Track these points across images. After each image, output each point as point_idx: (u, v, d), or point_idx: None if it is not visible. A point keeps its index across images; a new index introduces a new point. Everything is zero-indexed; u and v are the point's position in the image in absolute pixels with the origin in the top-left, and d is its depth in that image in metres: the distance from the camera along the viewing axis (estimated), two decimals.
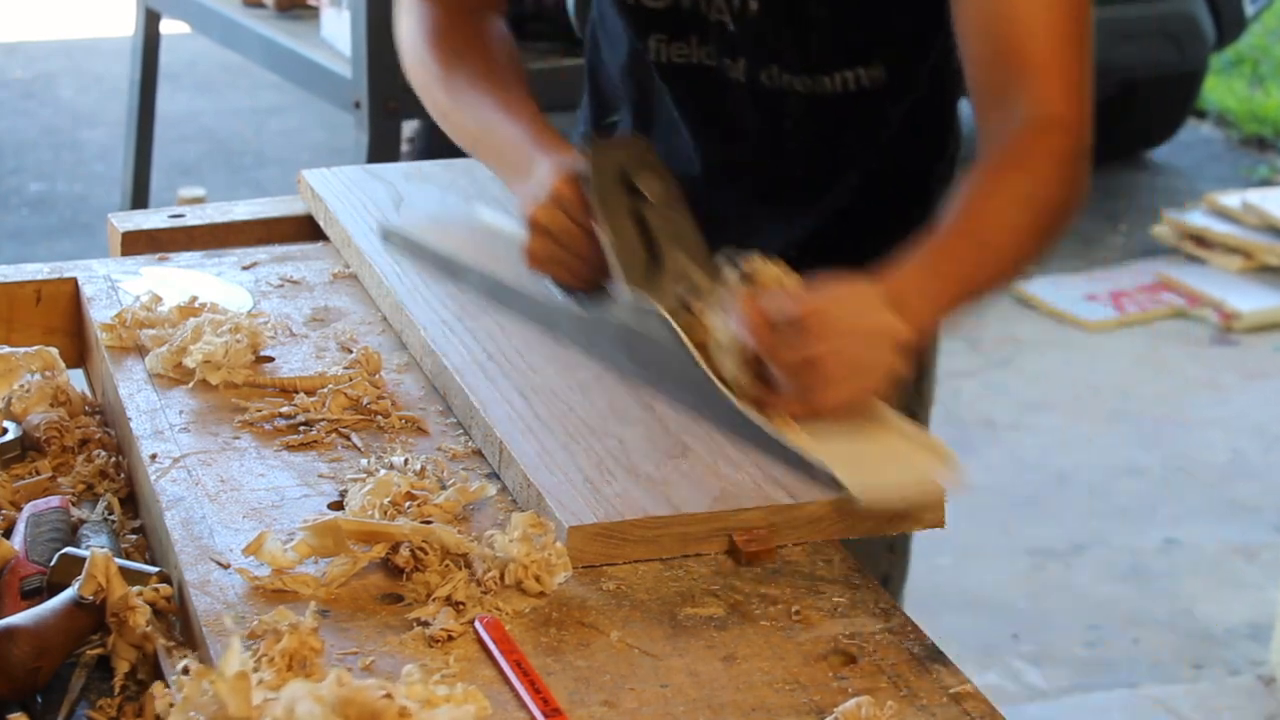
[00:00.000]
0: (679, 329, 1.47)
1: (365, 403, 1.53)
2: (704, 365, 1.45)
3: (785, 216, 1.85)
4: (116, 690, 1.21)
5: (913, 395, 1.97)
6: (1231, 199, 5.67)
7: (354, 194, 1.96)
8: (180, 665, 1.13)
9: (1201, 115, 7.10)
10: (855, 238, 1.80)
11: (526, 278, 1.62)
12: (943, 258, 1.52)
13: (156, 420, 1.51)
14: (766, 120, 1.79)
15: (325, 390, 1.55)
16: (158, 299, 1.67)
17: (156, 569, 1.29)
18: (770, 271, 1.48)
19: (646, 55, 1.80)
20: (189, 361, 1.59)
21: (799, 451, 1.39)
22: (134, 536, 1.45)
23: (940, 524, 1.39)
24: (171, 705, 1.08)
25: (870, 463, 1.38)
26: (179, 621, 1.28)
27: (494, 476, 1.44)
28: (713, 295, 1.48)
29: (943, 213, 1.58)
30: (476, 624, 1.22)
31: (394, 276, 1.74)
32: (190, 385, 1.57)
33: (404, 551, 1.27)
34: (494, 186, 2.00)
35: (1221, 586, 3.78)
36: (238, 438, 1.49)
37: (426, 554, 1.27)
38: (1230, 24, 5.99)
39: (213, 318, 1.63)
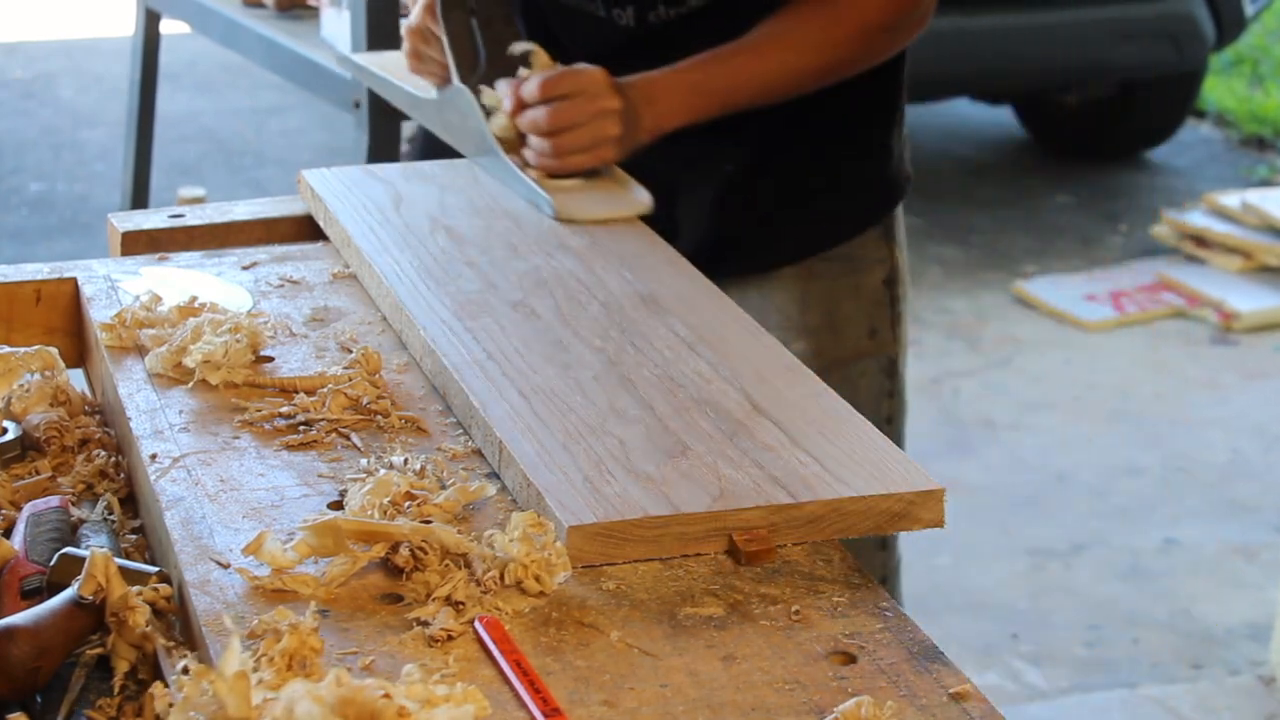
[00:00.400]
0: (475, 101, 1.97)
1: (365, 402, 1.53)
2: (484, 124, 1.97)
3: (704, 153, 2.07)
4: (116, 690, 1.21)
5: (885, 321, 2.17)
6: (1231, 199, 5.68)
7: (353, 194, 1.96)
8: (180, 665, 1.13)
9: (1201, 115, 7.10)
10: (783, 167, 2.08)
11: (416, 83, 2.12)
12: (697, 73, 1.93)
13: (156, 420, 1.51)
14: (658, 62, 1.97)
15: (325, 390, 1.55)
16: (157, 299, 1.67)
17: (156, 569, 1.29)
18: (542, 60, 1.96)
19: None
20: (189, 361, 1.59)
21: (530, 183, 1.91)
22: (133, 536, 1.45)
23: (940, 524, 1.39)
24: (171, 705, 1.08)
25: (582, 198, 1.90)
26: (179, 621, 1.28)
27: (494, 476, 1.44)
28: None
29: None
30: (476, 624, 1.22)
31: (394, 276, 1.74)
32: (190, 385, 1.57)
33: (404, 551, 1.28)
34: (493, 185, 2.01)
35: (1221, 586, 3.78)
36: (238, 437, 1.49)
37: (426, 554, 1.27)
38: (1230, 24, 5.99)
39: (212, 318, 1.63)
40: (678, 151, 2.02)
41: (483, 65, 2.02)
